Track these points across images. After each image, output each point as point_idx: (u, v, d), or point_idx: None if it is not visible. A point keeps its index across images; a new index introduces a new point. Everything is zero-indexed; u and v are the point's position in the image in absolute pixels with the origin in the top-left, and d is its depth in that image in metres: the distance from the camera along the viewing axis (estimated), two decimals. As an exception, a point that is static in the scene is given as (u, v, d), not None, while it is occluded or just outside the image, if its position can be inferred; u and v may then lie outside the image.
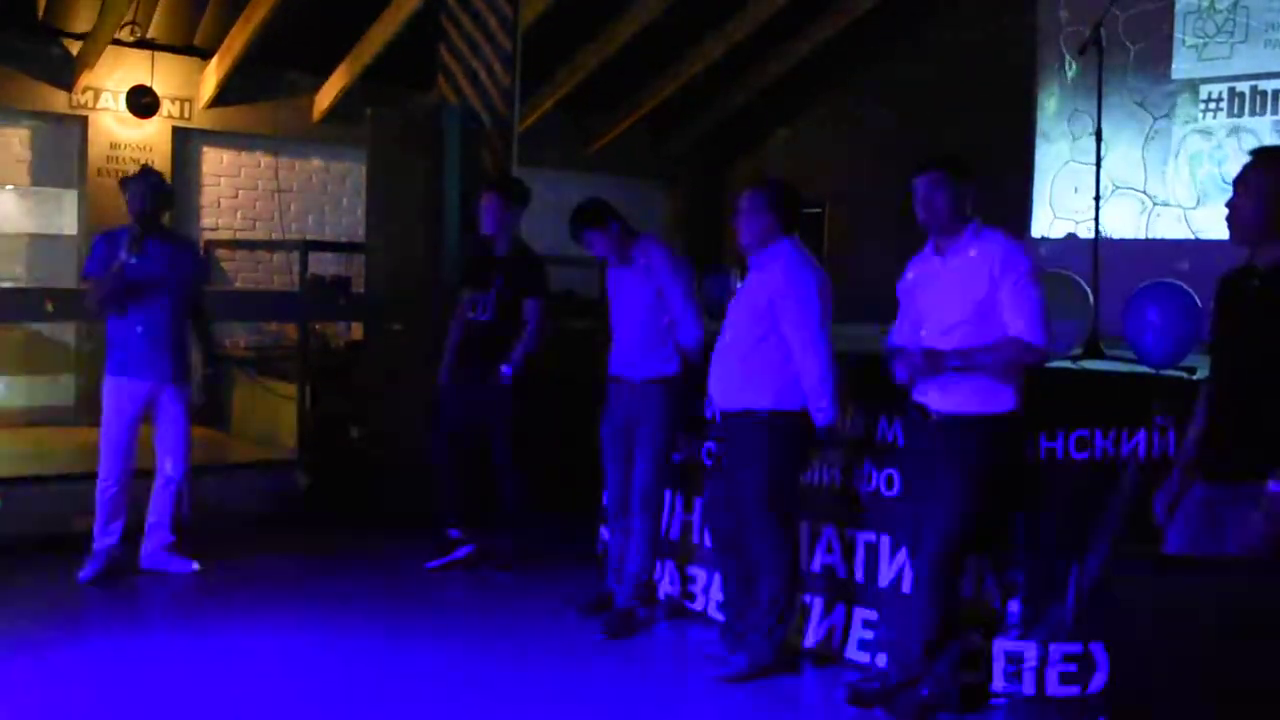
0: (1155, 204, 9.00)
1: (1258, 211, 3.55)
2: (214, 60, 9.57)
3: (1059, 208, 9.51)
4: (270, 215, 10.28)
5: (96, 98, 9.27)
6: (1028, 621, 4.61)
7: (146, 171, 6.13)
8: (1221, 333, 3.73)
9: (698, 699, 4.73)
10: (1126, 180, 9.04)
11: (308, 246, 8.79)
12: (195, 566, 6.07)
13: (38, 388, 9.25)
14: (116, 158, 9.30)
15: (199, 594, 5.83)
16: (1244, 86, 8.50)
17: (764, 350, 4.73)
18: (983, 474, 4.32)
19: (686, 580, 5.70)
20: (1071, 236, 9.21)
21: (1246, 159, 3.67)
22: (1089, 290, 5.99)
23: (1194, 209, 8.81)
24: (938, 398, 4.37)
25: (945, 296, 4.37)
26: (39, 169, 9.28)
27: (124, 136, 9.37)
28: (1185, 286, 5.48)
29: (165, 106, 9.48)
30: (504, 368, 6.09)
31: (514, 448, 6.19)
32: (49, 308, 7.61)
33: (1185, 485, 3.74)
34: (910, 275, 4.60)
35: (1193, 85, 8.80)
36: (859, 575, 5.05)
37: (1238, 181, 3.63)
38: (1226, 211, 3.66)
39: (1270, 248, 3.55)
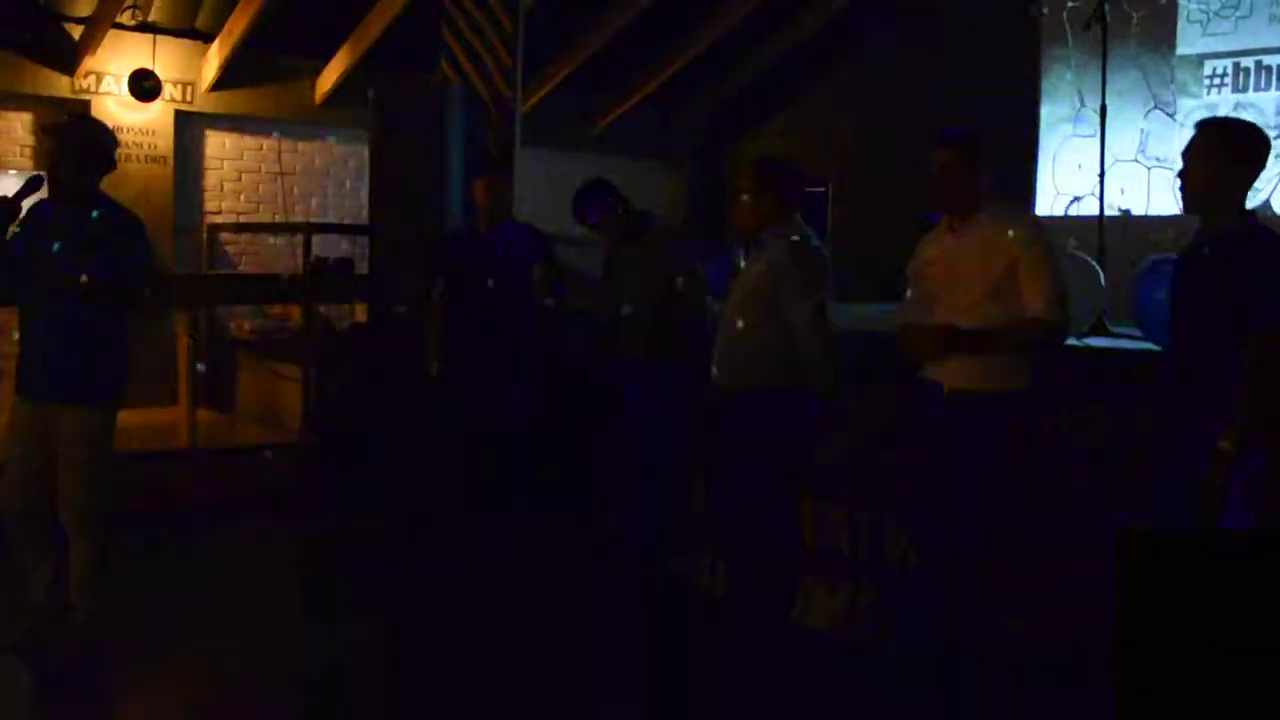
0: (1158, 180, 8.97)
1: (1208, 178, 3.63)
2: (215, 43, 9.55)
3: (1062, 184, 9.48)
4: (273, 198, 10.27)
5: (98, 82, 9.25)
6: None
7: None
8: (1176, 302, 3.77)
9: (704, 674, 4.74)
10: (1129, 156, 9.01)
11: (311, 229, 8.80)
12: None
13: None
14: (119, 142, 9.27)
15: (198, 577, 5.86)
16: (1248, 62, 8.46)
17: (767, 330, 4.72)
18: (1001, 451, 4.31)
19: (695, 557, 5.72)
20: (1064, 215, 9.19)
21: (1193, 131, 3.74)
22: (1098, 268, 5.98)
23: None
24: (954, 375, 4.33)
25: (963, 275, 4.33)
26: (42, 153, 9.26)
27: (126, 120, 9.33)
28: None
29: (167, 90, 9.45)
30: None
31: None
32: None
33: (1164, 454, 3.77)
34: (924, 254, 4.54)
35: (1196, 60, 8.76)
36: (865, 554, 5.06)
37: (1187, 150, 3.70)
38: (1178, 181, 3.72)
39: (1220, 214, 3.62)
